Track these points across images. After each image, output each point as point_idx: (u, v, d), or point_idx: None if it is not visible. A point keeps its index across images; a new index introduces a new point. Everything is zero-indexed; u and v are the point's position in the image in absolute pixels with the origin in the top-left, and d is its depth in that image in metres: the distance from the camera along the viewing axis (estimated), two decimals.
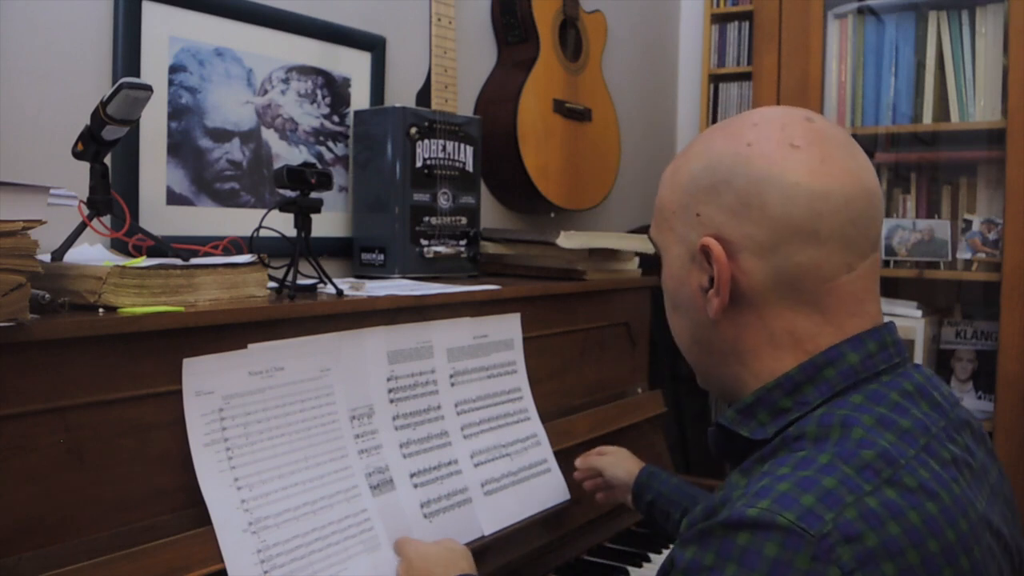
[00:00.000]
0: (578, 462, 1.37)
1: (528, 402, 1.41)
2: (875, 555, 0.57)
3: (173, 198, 1.35)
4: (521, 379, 1.40)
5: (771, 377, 0.73)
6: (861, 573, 0.56)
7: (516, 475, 1.32)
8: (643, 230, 2.50)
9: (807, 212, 0.69)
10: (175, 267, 0.99)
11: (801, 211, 0.69)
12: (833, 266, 0.70)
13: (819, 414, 0.68)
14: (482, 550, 1.21)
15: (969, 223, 2.13)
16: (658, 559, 1.44)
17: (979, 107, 2.10)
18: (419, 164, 1.54)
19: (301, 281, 1.20)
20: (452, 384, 1.28)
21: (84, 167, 1.07)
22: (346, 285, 1.26)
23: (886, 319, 0.76)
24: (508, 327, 1.40)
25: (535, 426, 1.40)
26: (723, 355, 0.77)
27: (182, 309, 0.95)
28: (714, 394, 0.83)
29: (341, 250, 1.60)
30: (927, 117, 2.15)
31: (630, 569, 1.39)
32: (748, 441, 0.73)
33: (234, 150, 1.44)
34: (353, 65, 1.63)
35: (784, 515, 0.57)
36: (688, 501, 1.21)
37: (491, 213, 2.03)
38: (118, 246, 1.21)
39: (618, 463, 1.33)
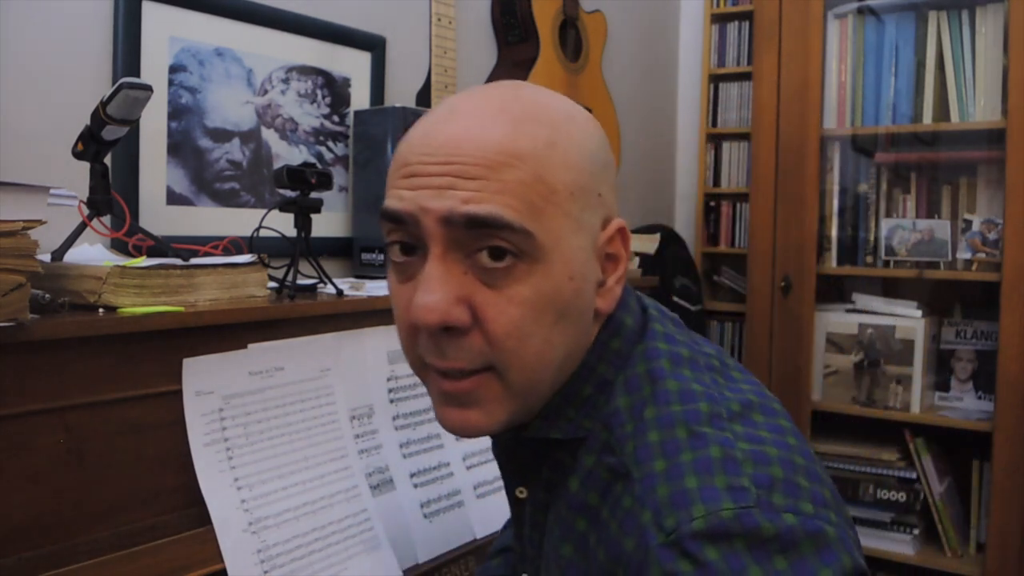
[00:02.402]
0: None
1: None
2: (784, 478, 0.58)
3: (173, 198, 1.35)
4: None
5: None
6: (794, 500, 0.57)
7: None
8: (643, 230, 2.50)
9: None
10: (175, 267, 0.99)
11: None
12: None
13: (620, 381, 0.66)
14: (478, 551, 1.21)
15: (969, 223, 2.13)
16: None
17: (979, 107, 2.10)
18: None
19: (301, 281, 1.20)
20: None
21: (84, 167, 1.07)
22: (346, 285, 1.26)
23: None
24: None
25: None
26: (576, 358, 0.68)
27: (182, 309, 0.95)
28: (527, 413, 0.68)
29: (341, 250, 1.60)
30: (927, 117, 2.15)
31: None
32: (547, 443, 0.69)
33: (234, 150, 1.44)
34: (353, 65, 1.63)
35: (724, 507, 0.55)
36: None
37: None
38: (118, 246, 1.21)
39: None
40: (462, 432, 0.66)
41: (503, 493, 1.28)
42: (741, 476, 0.58)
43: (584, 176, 0.64)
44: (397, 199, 0.64)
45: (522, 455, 0.73)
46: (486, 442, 1.31)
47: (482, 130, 0.62)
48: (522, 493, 0.75)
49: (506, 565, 0.95)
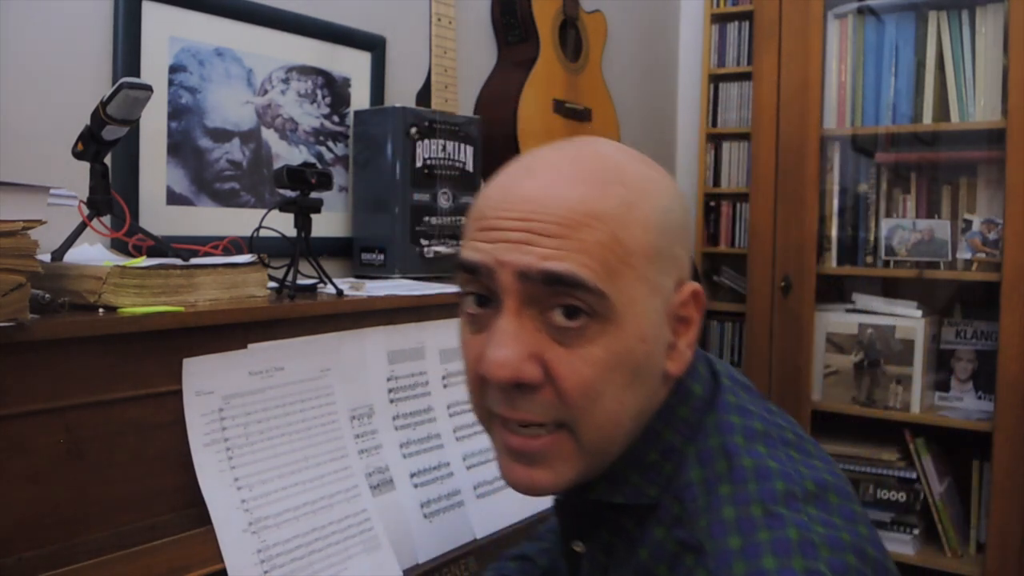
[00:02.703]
0: None
1: None
2: (857, 567, 0.58)
3: (173, 198, 1.35)
4: None
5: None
6: None
7: None
8: None
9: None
10: (175, 267, 0.99)
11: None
12: None
13: (692, 453, 0.65)
14: (478, 551, 1.21)
15: (969, 223, 2.13)
16: None
17: (979, 107, 2.10)
18: (419, 164, 1.54)
19: (301, 281, 1.20)
20: (444, 386, 1.28)
21: (84, 167, 1.07)
22: (346, 285, 1.26)
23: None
24: None
25: None
26: (645, 420, 0.67)
27: (182, 309, 0.95)
28: (586, 479, 0.68)
29: (341, 250, 1.60)
30: (927, 117, 2.15)
31: None
32: (608, 506, 0.68)
33: (234, 150, 1.44)
34: (353, 65, 1.63)
35: None
36: None
37: None
38: (118, 246, 1.21)
39: None
40: (528, 491, 0.65)
41: (503, 493, 1.29)
42: (818, 560, 0.57)
43: (661, 238, 0.63)
44: (474, 250, 0.64)
45: (583, 514, 0.72)
46: (485, 442, 1.31)
47: (561, 188, 0.62)
48: (579, 547, 0.74)
49: (522, 573, 0.95)
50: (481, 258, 0.63)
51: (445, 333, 1.29)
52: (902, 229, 2.19)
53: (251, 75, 1.45)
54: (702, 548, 0.60)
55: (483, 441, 1.31)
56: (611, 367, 0.62)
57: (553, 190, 0.62)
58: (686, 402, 0.68)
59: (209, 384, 0.96)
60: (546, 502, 1.34)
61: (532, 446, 0.63)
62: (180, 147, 1.35)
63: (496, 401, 0.64)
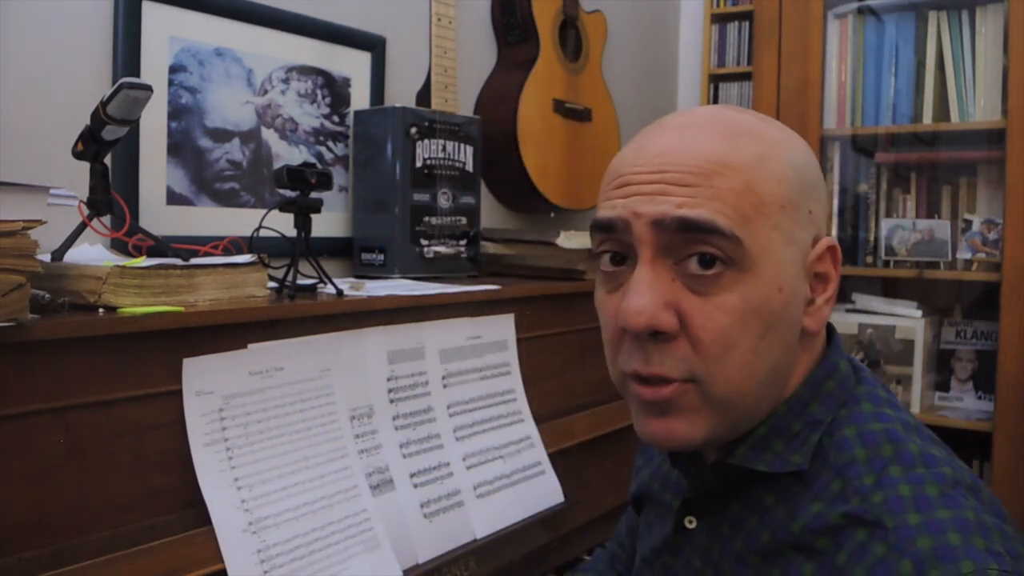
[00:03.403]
0: None
1: (522, 404, 1.40)
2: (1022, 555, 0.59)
3: (173, 198, 1.35)
4: (515, 380, 1.40)
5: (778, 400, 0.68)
6: None
7: (509, 478, 1.32)
8: None
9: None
10: (175, 267, 0.99)
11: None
12: None
13: (852, 435, 0.65)
14: (478, 551, 1.21)
15: (969, 223, 2.13)
16: None
17: (979, 107, 2.10)
18: (419, 164, 1.54)
19: (301, 281, 1.20)
20: (444, 386, 1.28)
21: (84, 167, 1.07)
22: (346, 285, 1.26)
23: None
24: (502, 328, 1.40)
25: (529, 428, 1.39)
26: (779, 384, 0.67)
27: (182, 309, 0.95)
28: (734, 433, 0.68)
29: (341, 250, 1.60)
30: (927, 117, 2.15)
31: None
32: (752, 474, 0.68)
33: (234, 150, 1.44)
34: (353, 65, 1.63)
35: (990, 567, 0.56)
36: None
37: (491, 213, 2.03)
38: (118, 246, 1.21)
39: None
40: (664, 443, 0.65)
41: (503, 493, 1.29)
42: (995, 543, 0.58)
43: (794, 191, 0.64)
44: (609, 208, 0.65)
45: (711, 484, 0.71)
46: (486, 442, 1.31)
47: (695, 141, 0.63)
48: (691, 523, 0.73)
49: None
50: (617, 213, 0.64)
51: (445, 333, 1.29)
52: (902, 229, 2.19)
53: (251, 75, 1.45)
54: (880, 522, 0.60)
55: (483, 441, 1.31)
56: (747, 315, 0.62)
57: (686, 143, 0.63)
58: (832, 375, 0.68)
59: (209, 384, 0.96)
60: (546, 502, 1.35)
61: (662, 394, 0.63)
62: (180, 147, 1.35)
63: (631, 358, 0.64)
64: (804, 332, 0.67)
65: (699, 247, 0.61)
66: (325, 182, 1.22)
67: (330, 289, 1.19)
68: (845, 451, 0.65)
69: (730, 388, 0.63)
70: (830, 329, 0.73)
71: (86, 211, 1.05)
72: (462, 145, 1.62)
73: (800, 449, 0.66)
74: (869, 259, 2.23)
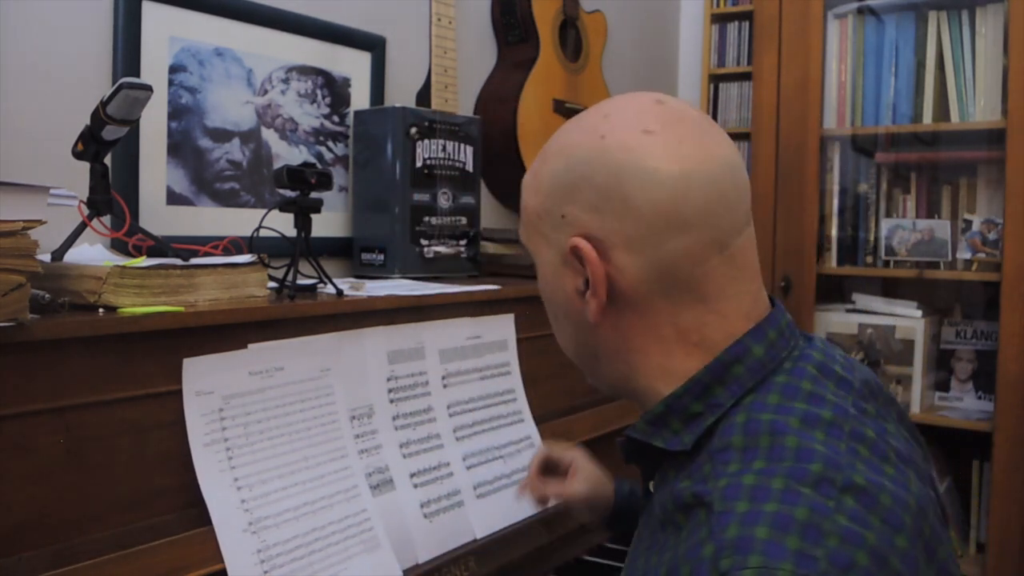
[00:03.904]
0: (535, 494, 1.15)
1: (522, 404, 1.40)
2: (866, 568, 0.56)
3: (173, 198, 1.35)
4: (515, 380, 1.40)
5: (664, 376, 0.71)
6: None
7: (509, 478, 1.32)
8: None
9: (670, 198, 0.66)
10: (175, 267, 0.99)
11: (664, 198, 0.66)
12: (705, 249, 0.68)
13: (741, 421, 0.66)
14: (478, 551, 1.21)
15: (969, 223, 2.13)
16: None
17: (979, 107, 2.10)
18: (419, 164, 1.54)
19: (301, 281, 1.20)
20: (444, 386, 1.28)
21: (84, 167, 1.07)
22: (346, 285, 1.26)
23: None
24: (502, 328, 1.40)
25: (529, 428, 1.39)
26: (609, 356, 0.74)
27: (182, 309, 0.95)
28: (604, 393, 0.82)
29: (341, 250, 1.60)
30: (927, 117, 2.16)
31: None
32: (661, 451, 0.71)
33: (234, 150, 1.44)
34: (353, 65, 1.63)
35: (781, 567, 0.55)
36: None
37: (491, 213, 2.03)
38: (118, 246, 1.21)
39: (597, 496, 1.13)
40: None
41: (503, 493, 1.30)
42: (818, 547, 0.56)
43: (548, 199, 0.73)
44: None
45: (625, 450, 0.77)
46: (486, 442, 1.31)
47: None
48: (652, 489, 0.77)
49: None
50: None
51: (445, 333, 1.29)
52: (902, 229, 2.19)
53: (251, 75, 1.45)
54: (712, 505, 0.61)
55: (483, 441, 1.31)
56: (544, 300, 0.80)
57: None
58: (741, 360, 0.69)
59: (209, 384, 0.96)
60: (541, 504, 1.35)
61: None
62: (180, 147, 1.35)
63: None
64: (592, 321, 0.72)
65: None
66: (325, 182, 1.22)
67: (330, 289, 1.19)
68: (727, 436, 0.66)
69: (565, 353, 0.81)
70: (773, 315, 0.72)
71: (86, 211, 1.05)
72: (462, 145, 1.62)
73: (695, 431, 0.69)
74: (869, 259, 2.23)
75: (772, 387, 0.68)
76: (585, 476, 1.14)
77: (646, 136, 0.68)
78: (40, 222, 0.79)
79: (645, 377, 0.73)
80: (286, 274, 1.18)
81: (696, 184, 0.67)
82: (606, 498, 1.13)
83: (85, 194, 1.06)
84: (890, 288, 2.29)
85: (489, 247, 1.72)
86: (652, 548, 0.68)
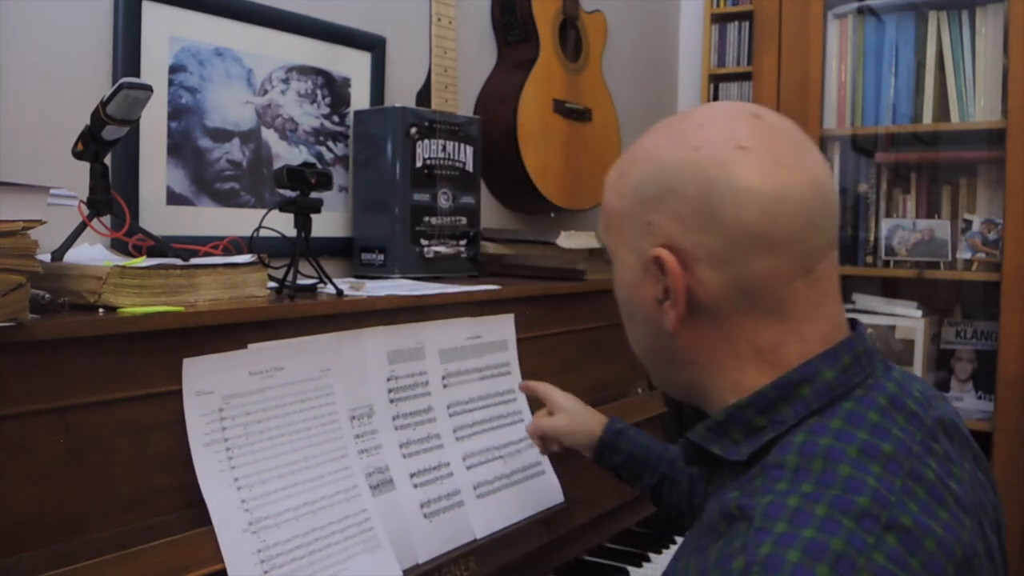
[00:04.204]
0: (530, 430, 1.25)
1: (522, 404, 1.40)
2: None
3: (173, 198, 1.35)
4: (515, 381, 1.40)
5: (735, 389, 0.71)
6: None
7: (509, 478, 1.32)
8: None
9: (761, 218, 0.66)
10: (175, 267, 0.99)
11: (755, 217, 0.66)
12: (791, 271, 0.67)
13: (799, 442, 0.65)
14: (478, 551, 1.21)
15: (969, 223, 2.13)
16: (658, 559, 1.44)
17: (979, 107, 2.10)
18: (419, 164, 1.54)
19: (301, 281, 1.20)
20: (444, 386, 1.28)
21: (84, 167, 1.07)
22: (346, 285, 1.26)
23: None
24: (502, 328, 1.40)
25: None
26: (683, 365, 0.74)
27: (182, 309, 0.95)
28: (671, 395, 0.82)
29: (341, 250, 1.60)
30: (927, 117, 2.15)
31: (630, 569, 1.39)
32: (718, 458, 0.71)
33: (234, 150, 1.44)
34: (353, 65, 1.63)
35: None
36: (665, 466, 1.17)
37: (491, 213, 2.03)
38: (118, 246, 1.21)
39: (577, 428, 1.21)
40: None
41: (503, 493, 1.30)
42: None
43: (631, 205, 0.73)
44: None
45: (685, 452, 0.77)
46: (486, 442, 1.31)
47: None
48: (709, 494, 0.77)
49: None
50: None
51: (445, 333, 1.29)
52: (902, 229, 2.19)
53: (251, 75, 1.45)
54: (752, 520, 0.60)
55: (483, 441, 1.31)
56: (617, 300, 0.80)
57: None
58: (810, 382, 0.68)
59: (209, 384, 0.96)
60: (546, 502, 1.35)
61: None
62: (180, 147, 1.35)
63: None
64: (668, 329, 0.72)
65: None
66: (325, 182, 1.22)
67: (330, 289, 1.19)
68: (782, 454, 0.65)
69: (635, 353, 0.81)
70: (850, 340, 0.71)
71: (86, 211, 1.05)
72: (462, 145, 1.62)
73: (754, 444, 0.69)
74: (869, 259, 2.23)
75: (837, 412, 0.67)
76: (568, 413, 1.23)
77: (740, 152, 0.67)
78: (40, 222, 0.79)
79: (716, 389, 0.73)
80: (286, 274, 1.18)
81: (788, 206, 0.66)
82: (589, 434, 1.21)
83: (85, 194, 1.06)
84: (890, 288, 2.29)
85: (489, 247, 1.72)
86: (694, 551, 0.67)
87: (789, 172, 0.67)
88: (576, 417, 1.22)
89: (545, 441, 1.25)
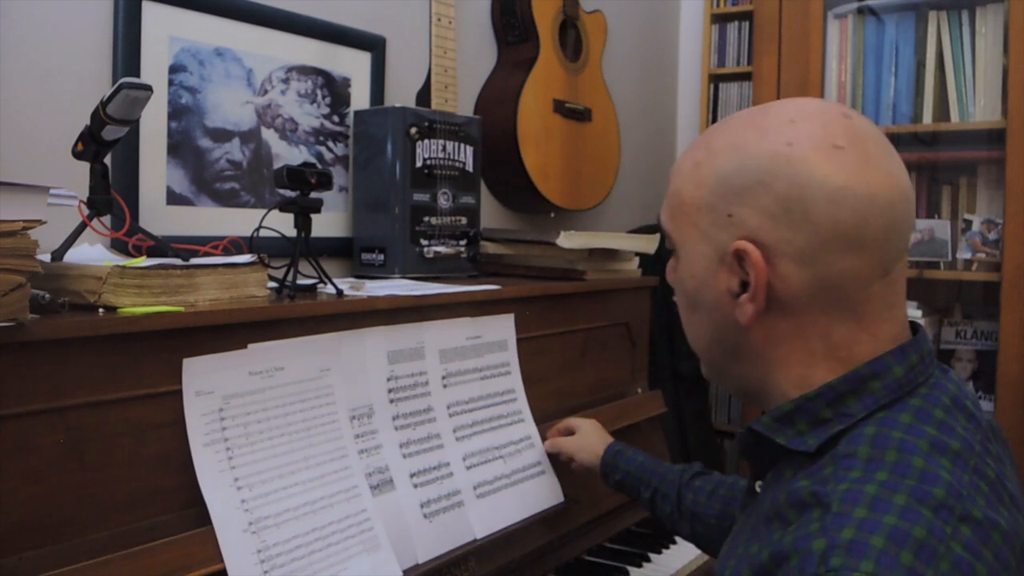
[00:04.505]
0: (547, 445, 1.38)
1: (522, 404, 1.40)
2: None
3: (173, 198, 1.35)
4: (515, 380, 1.40)
5: (801, 384, 0.71)
6: None
7: (509, 478, 1.32)
8: (643, 230, 2.50)
9: (853, 218, 0.66)
10: (175, 267, 0.99)
11: (847, 217, 0.66)
12: (872, 272, 0.69)
13: (871, 433, 0.67)
14: (478, 551, 1.21)
15: (969, 223, 2.13)
16: (658, 559, 1.44)
17: (979, 107, 2.10)
18: (419, 164, 1.54)
19: (301, 281, 1.20)
20: (444, 386, 1.28)
21: (84, 167, 1.07)
22: (346, 285, 1.26)
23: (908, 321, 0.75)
24: (501, 328, 1.40)
25: (529, 428, 1.39)
26: (749, 359, 0.74)
27: (182, 309, 0.95)
28: (723, 389, 0.83)
29: (341, 250, 1.60)
30: (927, 117, 2.15)
31: (630, 569, 1.39)
32: (781, 449, 0.72)
33: (234, 150, 1.44)
34: (353, 65, 1.63)
35: None
36: (656, 480, 1.24)
37: (491, 213, 2.03)
38: (118, 246, 1.21)
39: (584, 446, 1.34)
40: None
41: (503, 493, 1.30)
42: (929, 567, 0.57)
43: (713, 195, 0.72)
44: None
45: (745, 443, 0.77)
46: (486, 442, 1.31)
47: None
48: (759, 488, 0.78)
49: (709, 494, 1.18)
50: None
51: (445, 333, 1.29)
52: None
53: (251, 75, 1.45)
54: (830, 506, 0.61)
55: (483, 441, 1.31)
56: (678, 290, 0.79)
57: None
58: (879, 377, 0.69)
59: (209, 384, 0.96)
60: (546, 502, 1.35)
61: None
62: (180, 147, 1.35)
63: None
64: (738, 322, 0.72)
65: None
66: (325, 182, 1.22)
67: (330, 289, 1.19)
68: (853, 445, 0.67)
69: (689, 343, 0.81)
70: (916, 335, 0.73)
71: (86, 211, 1.05)
72: (462, 145, 1.62)
73: (821, 435, 0.69)
74: None
75: (905, 407, 0.68)
76: (581, 433, 1.37)
77: (835, 151, 0.68)
78: (40, 222, 0.79)
79: (779, 384, 0.73)
80: (286, 274, 1.18)
81: (878, 208, 0.67)
82: (595, 454, 1.32)
83: (85, 194, 1.06)
84: None
85: (489, 247, 1.72)
86: (752, 539, 0.69)
87: (879, 174, 0.68)
88: (587, 438, 1.36)
89: (559, 457, 1.38)
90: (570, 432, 1.39)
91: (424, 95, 1.64)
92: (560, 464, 1.39)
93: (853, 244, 0.67)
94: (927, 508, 0.60)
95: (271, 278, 1.15)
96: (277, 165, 1.47)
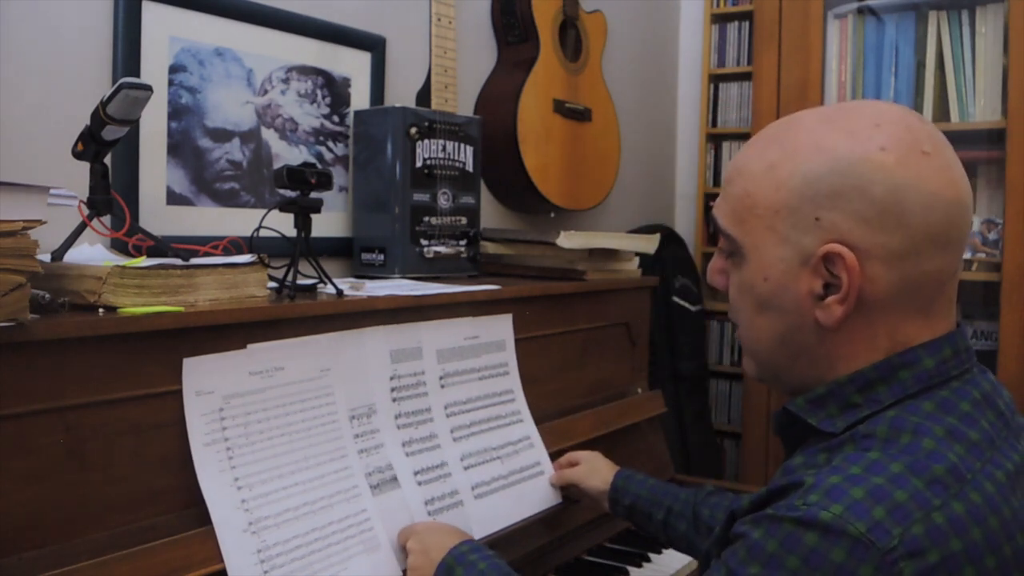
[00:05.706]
0: (554, 479, 1.37)
1: (521, 404, 1.40)
2: (935, 571, 0.59)
3: (173, 198, 1.35)
4: (513, 381, 1.40)
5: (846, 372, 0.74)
6: None
7: (507, 478, 1.32)
8: (643, 230, 2.50)
9: (944, 221, 0.69)
10: (175, 267, 0.99)
11: (939, 220, 0.69)
12: (951, 271, 0.72)
13: (891, 416, 0.69)
14: None
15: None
16: (658, 559, 1.44)
17: (979, 107, 2.10)
18: (419, 164, 1.54)
19: (301, 281, 1.20)
20: (442, 386, 1.28)
21: (84, 167, 1.07)
22: (346, 285, 1.26)
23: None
24: (500, 328, 1.39)
25: (528, 428, 1.39)
26: (814, 358, 0.76)
27: (182, 309, 0.95)
28: (776, 389, 0.84)
29: (341, 250, 1.60)
30: (927, 117, 2.15)
31: (630, 569, 1.39)
32: (812, 429, 0.75)
33: (234, 150, 1.44)
34: (353, 65, 1.63)
35: (855, 525, 0.60)
36: (669, 500, 1.23)
37: (491, 213, 2.03)
38: (118, 246, 1.21)
39: (592, 473, 1.33)
40: (744, 373, 0.93)
41: (502, 493, 1.30)
42: (899, 526, 0.60)
43: (795, 198, 0.72)
44: None
45: (780, 423, 0.80)
46: (484, 443, 1.31)
47: (744, 148, 0.79)
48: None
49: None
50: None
51: (444, 333, 1.29)
52: None
53: (251, 75, 1.45)
54: (831, 461, 0.67)
55: (481, 441, 1.31)
56: (741, 292, 0.78)
57: (741, 151, 0.79)
58: (910, 367, 0.72)
59: (209, 384, 0.96)
60: (545, 502, 1.35)
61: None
62: (180, 147, 1.35)
63: None
64: (818, 323, 0.73)
65: (720, 237, 0.79)
66: (325, 182, 1.22)
67: (330, 289, 1.19)
68: (873, 426, 0.70)
69: (746, 344, 0.81)
70: (952, 334, 0.74)
71: (86, 211, 1.05)
72: (462, 145, 1.62)
73: (849, 419, 0.72)
74: None
75: (932, 397, 0.71)
76: (586, 463, 1.35)
77: (925, 157, 0.70)
78: (40, 222, 0.79)
79: (840, 378, 0.75)
80: (286, 274, 1.18)
81: (960, 211, 0.71)
82: (603, 479, 1.30)
83: (85, 194, 1.06)
84: None
85: (489, 247, 1.72)
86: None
87: (957, 178, 0.71)
88: (594, 465, 1.34)
89: (566, 489, 1.37)
90: (575, 464, 1.37)
91: (424, 95, 1.64)
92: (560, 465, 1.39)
93: (940, 246, 0.70)
94: (920, 479, 0.63)
95: (271, 278, 1.15)
96: (277, 165, 1.47)
